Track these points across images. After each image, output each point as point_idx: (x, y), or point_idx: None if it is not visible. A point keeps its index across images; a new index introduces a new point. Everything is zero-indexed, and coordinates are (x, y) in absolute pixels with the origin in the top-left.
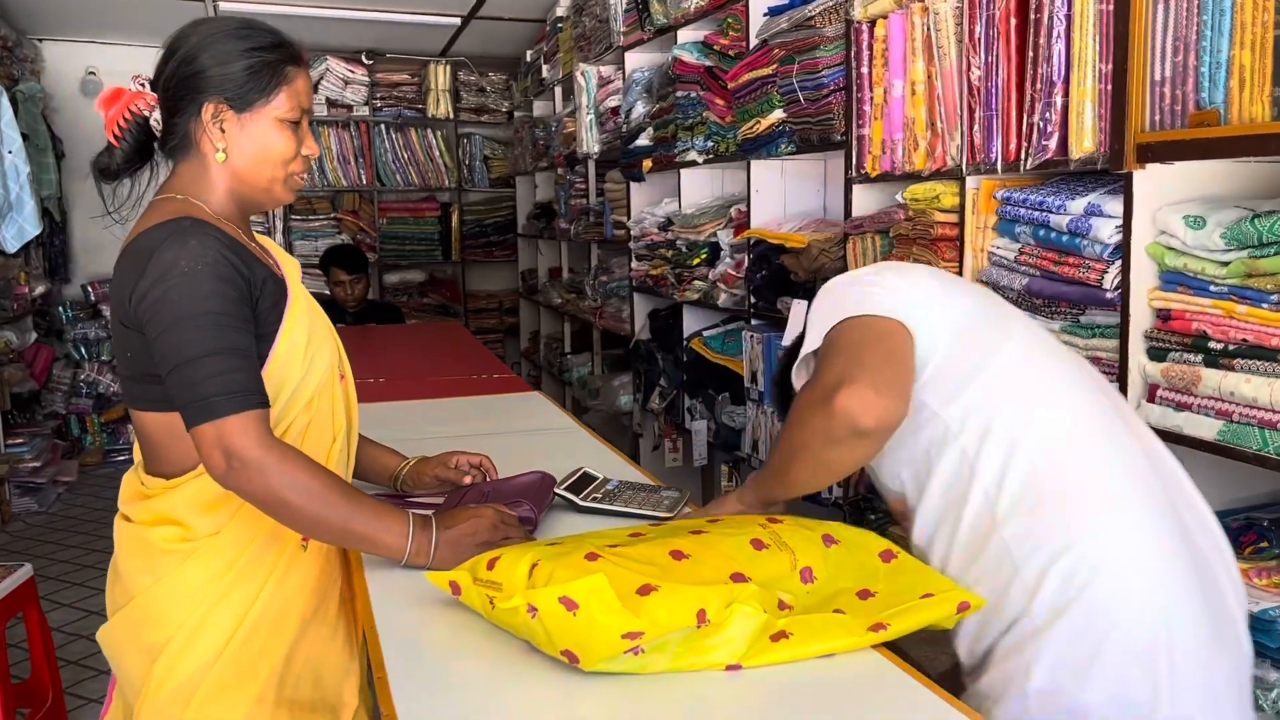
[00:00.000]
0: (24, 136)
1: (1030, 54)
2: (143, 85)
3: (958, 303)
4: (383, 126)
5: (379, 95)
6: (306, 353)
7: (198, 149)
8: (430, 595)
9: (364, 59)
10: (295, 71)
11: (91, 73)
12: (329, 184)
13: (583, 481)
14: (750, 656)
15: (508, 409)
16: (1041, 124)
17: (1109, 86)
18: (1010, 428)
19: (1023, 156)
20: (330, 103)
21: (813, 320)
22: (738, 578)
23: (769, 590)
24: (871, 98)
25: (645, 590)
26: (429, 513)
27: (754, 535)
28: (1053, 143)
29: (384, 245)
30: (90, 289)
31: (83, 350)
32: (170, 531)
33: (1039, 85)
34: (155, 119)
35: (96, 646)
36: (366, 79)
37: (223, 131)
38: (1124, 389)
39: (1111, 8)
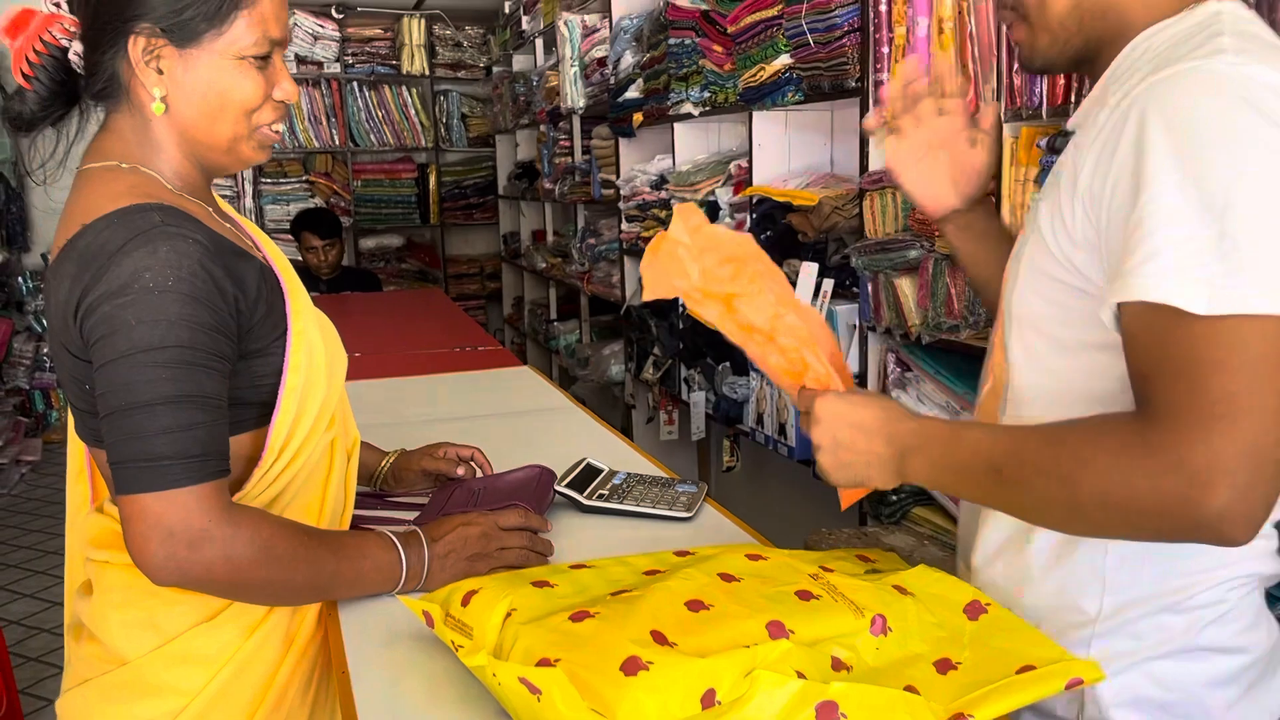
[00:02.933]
0: None
1: None
2: (58, 4)
3: None
4: (355, 84)
5: (350, 51)
6: (327, 358)
7: (131, 96)
8: (407, 632)
9: (334, 13)
10: None
11: None
12: (300, 145)
13: (586, 476)
14: None
15: (495, 386)
16: None
17: None
18: None
19: (1073, 99)
20: (299, 59)
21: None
22: (776, 630)
23: (818, 648)
24: (892, 39)
25: (632, 668)
26: (411, 527)
27: (800, 586)
28: None
29: (359, 209)
30: (51, 258)
31: (45, 322)
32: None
33: None
34: (76, 51)
35: (59, 641)
36: (337, 34)
37: (160, 74)
38: None
39: None
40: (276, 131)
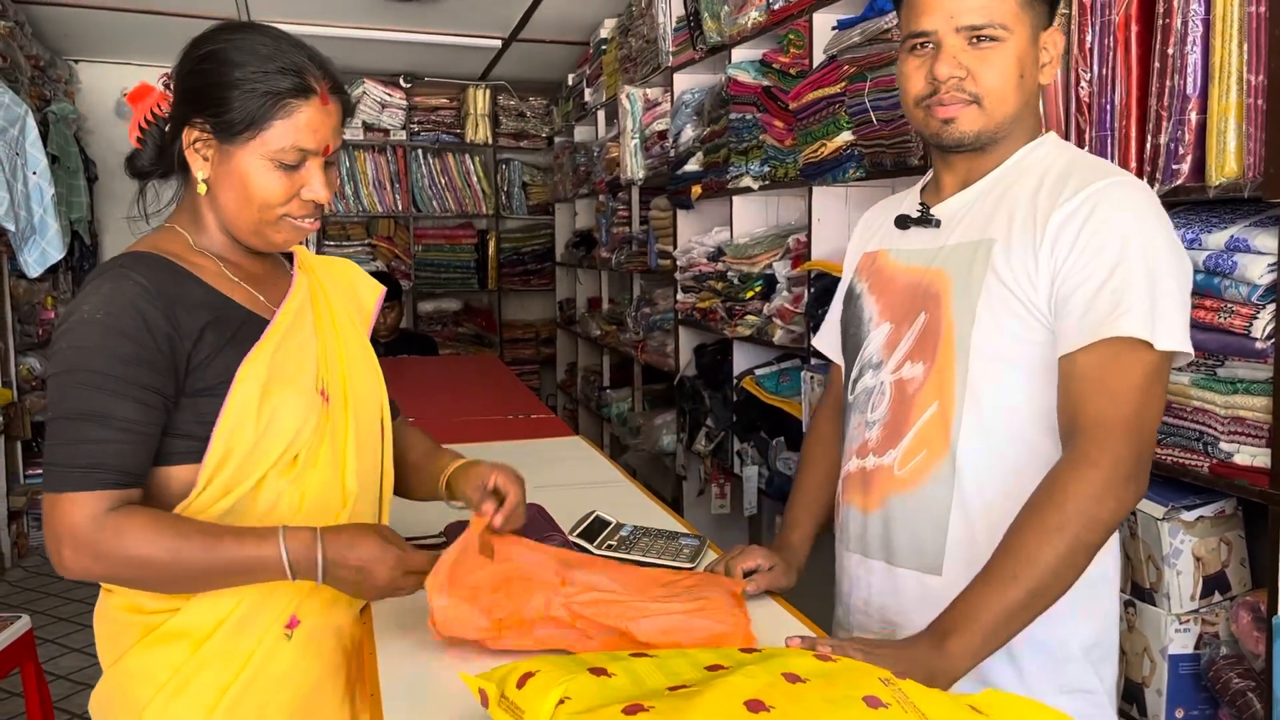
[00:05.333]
0: (54, 158)
1: (1156, 64)
2: (167, 85)
3: None
4: (420, 151)
5: (416, 119)
6: (261, 411)
7: (187, 171)
8: (461, 713)
9: (402, 82)
10: (299, 105)
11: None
12: (364, 209)
13: (596, 527)
14: None
15: (547, 456)
16: (1171, 145)
17: (1260, 100)
18: None
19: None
20: (367, 126)
21: (1136, 278)
22: None
23: None
24: None
25: None
26: (315, 528)
27: (869, 691)
28: (1185, 166)
29: (419, 272)
30: None
31: None
32: (122, 600)
33: (1167, 100)
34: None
35: None
36: (404, 103)
37: (206, 160)
38: (1277, 455)
39: (1264, 10)
40: (306, 223)
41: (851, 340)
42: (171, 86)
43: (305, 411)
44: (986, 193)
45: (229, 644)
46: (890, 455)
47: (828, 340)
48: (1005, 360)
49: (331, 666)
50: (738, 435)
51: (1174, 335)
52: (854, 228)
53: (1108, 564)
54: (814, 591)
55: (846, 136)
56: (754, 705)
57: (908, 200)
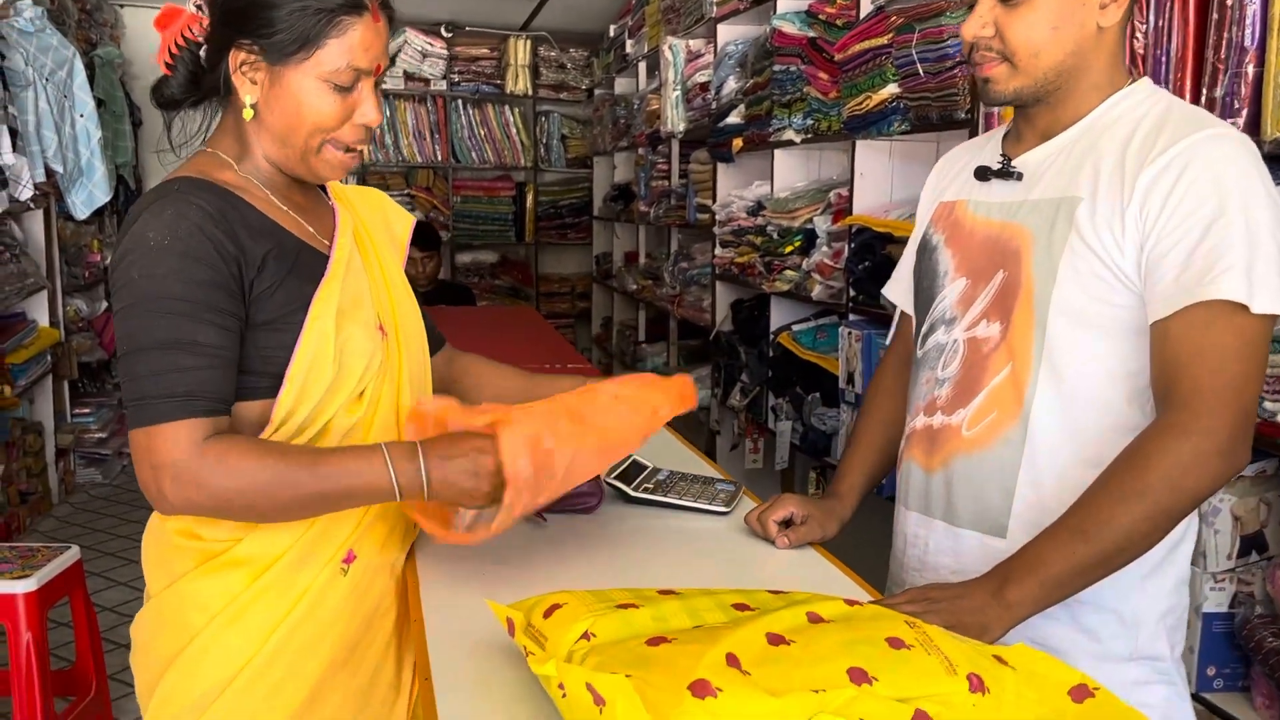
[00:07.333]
0: (100, 102)
1: (1214, 16)
2: (199, 6)
3: None
4: (460, 102)
5: (457, 69)
6: (336, 350)
7: (231, 96)
8: (494, 642)
9: (443, 31)
10: (353, 22)
11: None
12: (403, 159)
13: (632, 471)
14: None
15: None
16: (1227, 98)
17: None
18: None
19: None
20: (407, 76)
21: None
22: (858, 676)
23: (903, 703)
24: None
25: (701, 691)
26: (416, 444)
27: (892, 633)
28: (1241, 120)
29: (457, 224)
30: None
31: None
32: (177, 524)
33: (1224, 53)
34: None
35: None
36: (445, 52)
37: (254, 84)
38: None
39: None
40: (354, 154)
41: (925, 294)
42: (205, 7)
43: (371, 347)
44: (1072, 145)
45: (287, 576)
46: (959, 415)
47: (899, 290)
48: (1087, 322)
49: (381, 608)
50: (773, 390)
51: (1273, 298)
52: (896, 182)
53: (1183, 529)
54: (866, 546)
55: (892, 89)
56: (774, 639)
57: (987, 149)
